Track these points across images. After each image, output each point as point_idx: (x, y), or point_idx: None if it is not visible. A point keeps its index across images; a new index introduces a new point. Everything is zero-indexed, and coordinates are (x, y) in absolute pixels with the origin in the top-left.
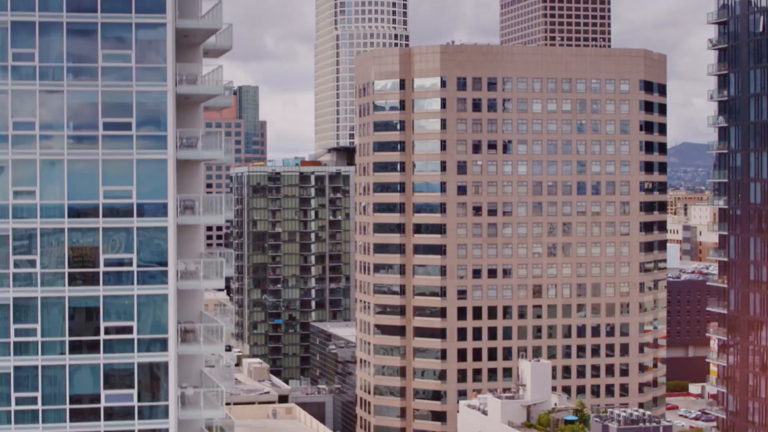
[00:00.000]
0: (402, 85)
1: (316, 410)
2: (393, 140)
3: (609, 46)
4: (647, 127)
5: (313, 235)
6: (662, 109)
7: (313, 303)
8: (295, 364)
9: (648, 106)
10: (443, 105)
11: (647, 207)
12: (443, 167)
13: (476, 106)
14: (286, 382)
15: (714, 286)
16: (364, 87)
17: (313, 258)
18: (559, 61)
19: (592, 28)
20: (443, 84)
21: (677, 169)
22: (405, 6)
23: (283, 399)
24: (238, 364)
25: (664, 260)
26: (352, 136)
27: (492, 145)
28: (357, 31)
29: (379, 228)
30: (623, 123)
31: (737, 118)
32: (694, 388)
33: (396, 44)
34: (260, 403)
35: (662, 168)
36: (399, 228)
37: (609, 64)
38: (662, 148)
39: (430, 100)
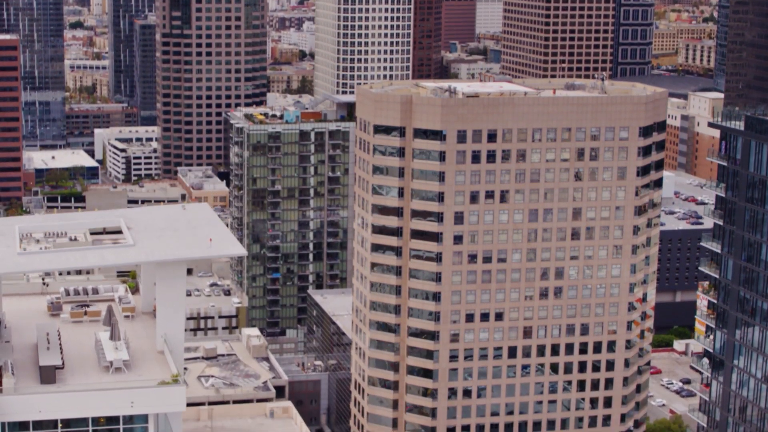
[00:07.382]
0: (402, 133)
1: (312, 388)
2: (392, 185)
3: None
4: (644, 171)
5: (312, 191)
6: (660, 146)
7: (310, 256)
8: (293, 314)
9: (646, 151)
10: (442, 158)
11: (637, 249)
12: (440, 218)
13: (475, 158)
14: (284, 332)
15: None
16: (365, 125)
17: (311, 213)
18: (560, 111)
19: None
20: (443, 137)
21: None
22: None
23: (280, 390)
24: (237, 316)
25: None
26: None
27: (489, 195)
28: None
29: (376, 267)
30: (620, 170)
31: None
32: (678, 345)
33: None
34: (258, 401)
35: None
36: (396, 271)
37: (610, 112)
38: (658, 183)
39: (429, 151)
